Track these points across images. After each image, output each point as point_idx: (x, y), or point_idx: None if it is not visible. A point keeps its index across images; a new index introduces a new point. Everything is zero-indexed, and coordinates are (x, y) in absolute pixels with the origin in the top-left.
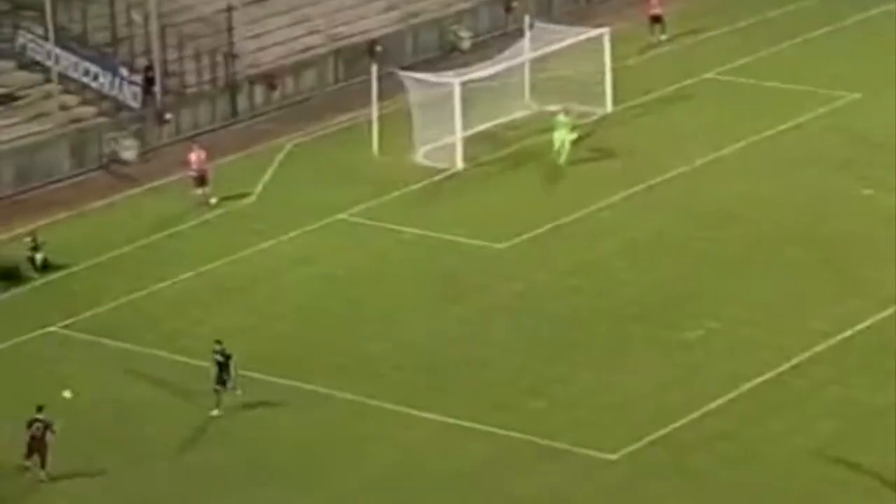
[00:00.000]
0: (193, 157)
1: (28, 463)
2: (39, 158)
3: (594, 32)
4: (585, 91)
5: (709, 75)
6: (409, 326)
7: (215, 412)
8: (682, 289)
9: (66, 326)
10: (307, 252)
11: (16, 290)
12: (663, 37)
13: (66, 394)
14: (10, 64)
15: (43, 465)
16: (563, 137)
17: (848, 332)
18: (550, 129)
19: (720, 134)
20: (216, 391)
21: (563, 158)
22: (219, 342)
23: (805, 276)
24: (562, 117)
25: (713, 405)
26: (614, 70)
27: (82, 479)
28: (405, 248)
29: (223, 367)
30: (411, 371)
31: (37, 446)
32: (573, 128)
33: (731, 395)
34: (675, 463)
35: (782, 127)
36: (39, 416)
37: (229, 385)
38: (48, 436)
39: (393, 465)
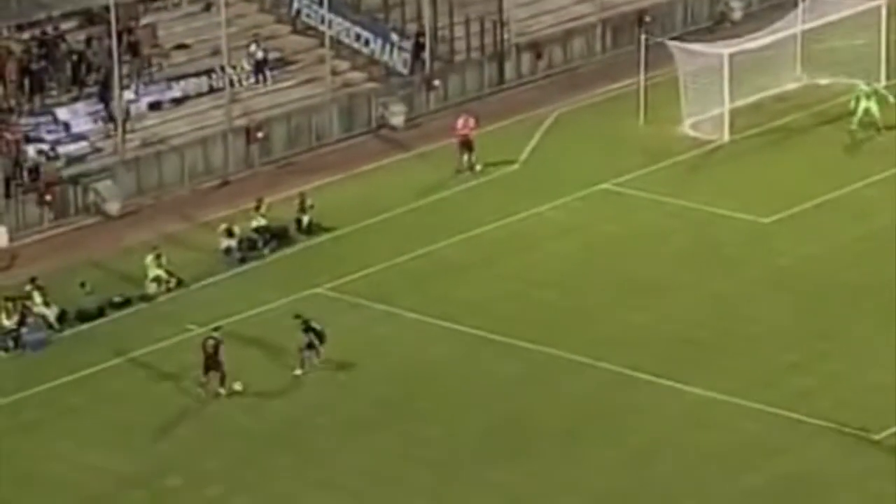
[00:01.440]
0: (460, 122)
1: (204, 380)
2: (311, 122)
3: (871, 4)
4: (859, 64)
5: None
6: (672, 298)
7: (298, 371)
8: None
9: (332, 288)
10: (571, 221)
11: (284, 251)
12: None
13: (237, 386)
14: (284, 28)
15: (221, 383)
16: (863, 105)
17: None
18: (820, 101)
19: None
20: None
21: (853, 125)
22: (298, 316)
23: None
24: (863, 86)
25: None
26: (890, 43)
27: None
28: (670, 219)
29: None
30: (675, 343)
31: (212, 364)
32: (879, 98)
33: None
34: None
35: None
36: (214, 334)
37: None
38: (221, 352)
39: (654, 438)
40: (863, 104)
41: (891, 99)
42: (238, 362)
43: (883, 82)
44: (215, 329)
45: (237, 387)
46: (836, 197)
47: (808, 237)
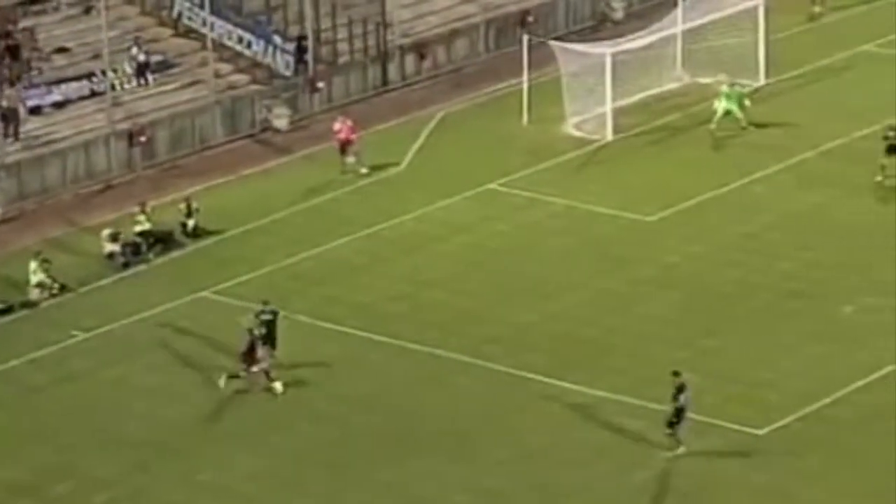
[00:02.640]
0: (338, 125)
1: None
2: (194, 125)
3: (749, 3)
4: (739, 63)
5: (866, 47)
6: (559, 298)
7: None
8: (838, 263)
9: (218, 292)
10: (458, 221)
11: (170, 256)
12: (818, 9)
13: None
14: (166, 31)
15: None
16: (724, 106)
17: None
18: (702, 100)
19: (877, 107)
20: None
21: (713, 125)
22: (266, 302)
23: None
24: (725, 88)
25: (868, 380)
26: (769, 42)
27: None
28: (556, 218)
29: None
30: (562, 342)
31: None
32: (739, 99)
33: (885, 371)
34: (826, 439)
35: None
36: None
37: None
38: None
39: (543, 437)
40: (724, 105)
41: (747, 102)
42: (126, 369)
43: (762, 81)
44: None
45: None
46: (721, 194)
47: (694, 235)
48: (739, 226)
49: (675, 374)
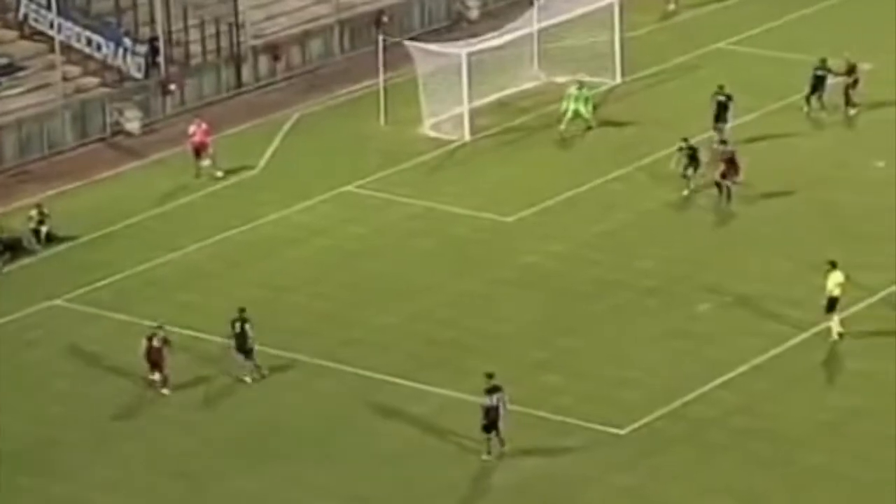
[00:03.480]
0: (192, 128)
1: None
2: (43, 129)
3: (604, 2)
4: (595, 61)
5: (720, 45)
6: (419, 299)
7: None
8: (695, 261)
9: (71, 299)
10: (316, 224)
11: (20, 263)
12: (672, 6)
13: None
14: (11, 34)
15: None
16: (572, 107)
17: (870, 300)
18: (559, 100)
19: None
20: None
21: (563, 125)
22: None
23: (822, 244)
24: (573, 89)
25: (726, 378)
26: (625, 40)
27: None
28: (414, 220)
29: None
30: (422, 344)
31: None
32: (586, 100)
33: (743, 369)
34: (687, 437)
35: (790, 99)
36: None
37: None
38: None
39: (404, 440)
40: (572, 106)
41: (590, 106)
42: None
43: (618, 79)
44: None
45: None
46: (579, 193)
47: (552, 234)
48: (597, 224)
49: (489, 375)
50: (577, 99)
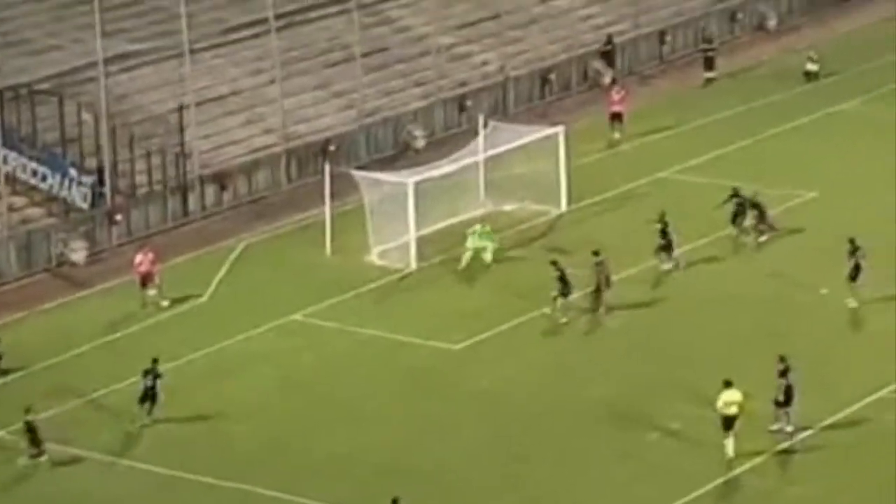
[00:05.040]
0: (138, 258)
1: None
2: None
3: (549, 131)
4: (541, 190)
5: (664, 174)
6: (367, 429)
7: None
8: (649, 385)
9: (12, 432)
10: (261, 353)
11: None
12: (617, 135)
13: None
14: None
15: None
16: (474, 246)
17: (811, 431)
18: (507, 227)
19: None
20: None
21: (462, 264)
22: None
23: (764, 367)
24: (477, 227)
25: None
26: (571, 168)
27: None
28: (361, 349)
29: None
30: (373, 473)
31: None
32: (488, 237)
33: (690, 497)
34: None
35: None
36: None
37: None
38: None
39: None
40: (476, 243)
41: (490, 244)
42: None
43: (564, 207)
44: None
45: None
46: (526, 320)
47: (501, 361)
48: (545, 350)
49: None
50: (480, 236)
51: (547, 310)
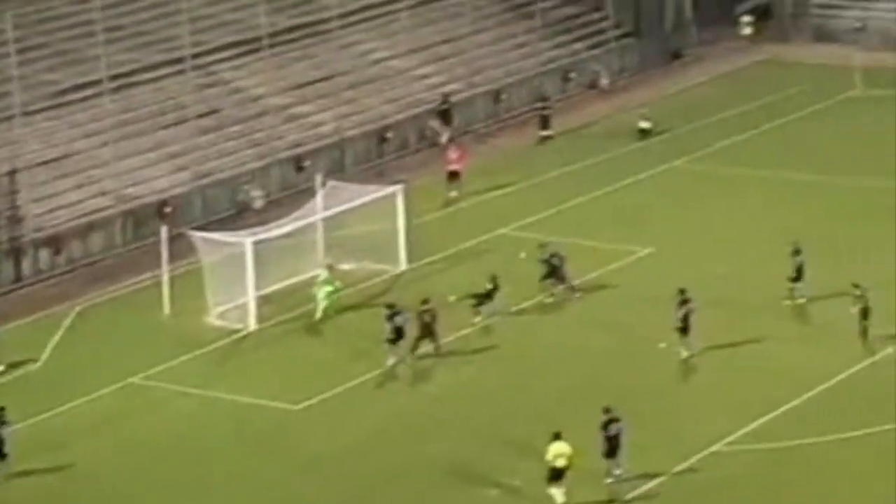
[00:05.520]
0: None
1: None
2: None
3: (388, 190)
4: (380, 248)
5: (504, 231)
6: (211, 492)
7: None
8: (485, 444)
9: None
10: (98, 418)
11: None
12: (455, 194)
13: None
14: None
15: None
16: (319, 294)
17: (653, 483)
18: (346, 287)
19: (510, 290)
20: None
21: (318, 314)
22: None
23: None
24: (323, 272)
25: None
26: (410, 227)
27: None
28: (201, 410)
29: None
30: None
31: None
32: (332, 285)
33: None
34: None
35: (574, 283)
36: (427, 307)
37: None
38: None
39: None
40: (322, 291)
41: (328, 293)
42: None
43: (403, 266)
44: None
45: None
46: (366, 379)
47: (342, 421)
48: (386, 410)
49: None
50: (326, 283)
51: (391, 359)
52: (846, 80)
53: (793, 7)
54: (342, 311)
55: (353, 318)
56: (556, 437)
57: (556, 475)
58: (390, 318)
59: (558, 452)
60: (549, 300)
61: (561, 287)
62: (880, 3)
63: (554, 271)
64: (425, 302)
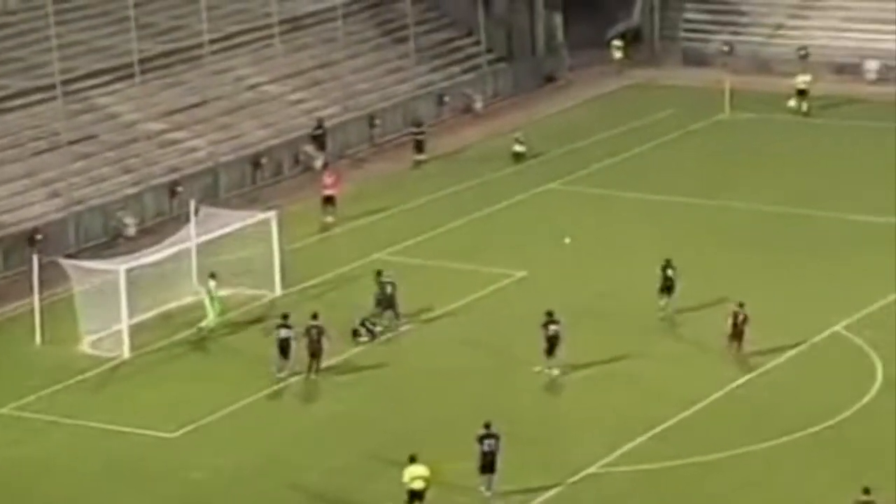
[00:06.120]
0: None
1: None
2: None
3: (262, 216)
4: (256, 274)
5: (378, 255)
6: None
7: None
8: (361, 468)
9: None
10: None
11: None
12: (330, 219)
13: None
14: None
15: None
16: (211, 305)
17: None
18: (220, 313)
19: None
20: None
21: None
22: None
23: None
24: (212, 282)
25: None
26: (285, 252)
27: None
28: (75, 440)
29: None
30: None
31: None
32: (213, 299)
33: None
34: None
35: (450, 307)
36: (315, 322)
37: None
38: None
39: None
40: (215, 306)
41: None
42: None
43: (278, 292)
44: (314, 317)
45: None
46: (244, 406)
47: (218, 449)
48: (263, 438)
49: None
50: (212, 299)
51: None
52: (715, 102)
53: (662, 31)
54: (220, 335)
55: (229, 343)
56: (412, 459)
57: (414, 497)
58: (279, 328)
59: (415, 475)
60: (380, 329)
61: (389, 314)
62: (748, 27)
63: (385, 299)
64: (314, 317)
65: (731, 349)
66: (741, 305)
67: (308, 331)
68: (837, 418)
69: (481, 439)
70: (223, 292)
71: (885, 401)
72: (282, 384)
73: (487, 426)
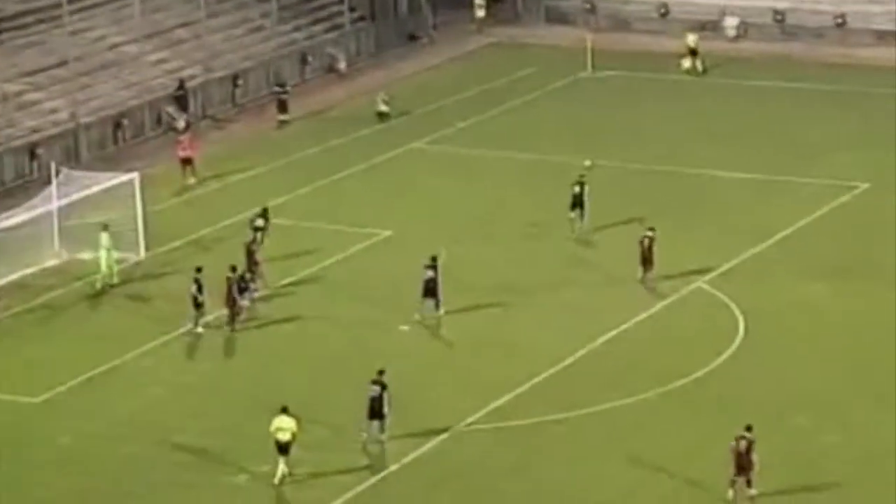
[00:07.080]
0: None
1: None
2: None
3: (123, 178)
4: (118, 237)
5: (243, 216)
6: None
7: None
8: (231, 430)
9: None
10: None
11: None
12: (193, 180)
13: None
14: None
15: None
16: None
17: (396, 465)
18: (84, 276)
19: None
20: None
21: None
22: None
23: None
24: (104, 235)
25: None
26: (147, 215)
27: None
28: None
29: None
30: None
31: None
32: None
33: None
34: None
35: (316, 267)
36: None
37: None
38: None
39: None
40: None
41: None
42: None
43: (142, 254)
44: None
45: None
46: (110, 369)
47: (85, 413)
48: (131, 400)
49: None
50: (108, 250)
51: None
52: (577, 61)
53: None
54: (80, 299)
55: (93, 306)
56: (283, 410)
57: (280, 448)
58: (195, 280)
59: (279, 426)
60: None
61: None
62: None
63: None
64: (234, 269)
65: (642, 275)
66: (651, 229)
67: (228, 280)
68: (703, 371)
69: (371, 384)
70: (86, 255)
71: (747, 353)
72: (149, 345)
73: (380, 372)
